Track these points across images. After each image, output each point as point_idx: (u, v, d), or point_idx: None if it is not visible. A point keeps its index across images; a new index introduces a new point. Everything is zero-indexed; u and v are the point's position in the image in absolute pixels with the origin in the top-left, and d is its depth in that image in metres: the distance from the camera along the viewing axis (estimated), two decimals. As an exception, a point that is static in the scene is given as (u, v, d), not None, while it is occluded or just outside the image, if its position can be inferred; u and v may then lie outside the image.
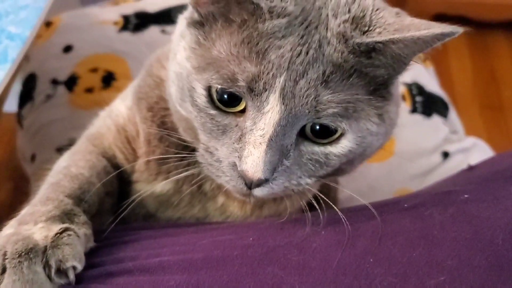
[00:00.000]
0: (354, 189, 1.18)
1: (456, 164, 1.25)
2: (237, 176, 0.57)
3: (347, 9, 0.56)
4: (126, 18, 1.37)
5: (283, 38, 0.54)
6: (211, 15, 0.58)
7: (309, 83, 0.53)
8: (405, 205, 0.59)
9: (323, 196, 0.62)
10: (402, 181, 1.24)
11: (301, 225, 0.59)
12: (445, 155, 1.31)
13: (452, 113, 1.44)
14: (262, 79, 0.53)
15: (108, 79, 1.25)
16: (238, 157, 0.55)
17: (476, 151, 1.35)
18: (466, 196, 0.59)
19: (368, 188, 1.22)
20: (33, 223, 0.57)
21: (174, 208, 0.74)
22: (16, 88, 1.31)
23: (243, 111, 0.57)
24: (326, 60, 0.54)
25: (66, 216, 0.60)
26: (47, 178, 0.71)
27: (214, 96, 0.57)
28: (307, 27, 0.55)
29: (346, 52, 0.54)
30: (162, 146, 0.71)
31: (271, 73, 0.53)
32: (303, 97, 0.53)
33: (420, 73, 1.46)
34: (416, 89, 1.40)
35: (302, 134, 0.57)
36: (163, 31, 1.35)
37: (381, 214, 0.58)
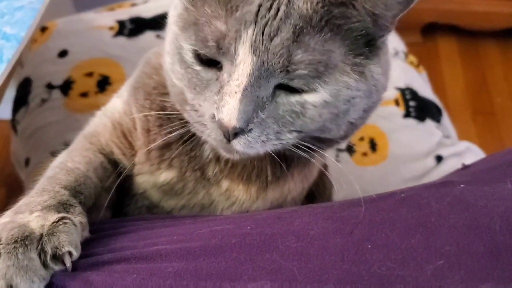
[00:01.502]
0: (348, 193, 1.19)
1: (450, 168, 1.25)
2: (216, 127, 0.59)
3: None
4: (121, 23, 1.38)
5: None
6: None
7: (283, 42, 0.55)
8: (402, 195, 0.60)
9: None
10: (396, 185, 1.23)
11: (298, 215, 0.59)
12: (439, 159, 1.32)
13: (445, 118, 1.46)
14: (228, 35, 0.55)
15: (103, 84, 1.25)
16: (217, 108, 0.57)
17: (469, 155, 1.36)
18: (462, 186, 0.59)
19: (363, 192, 1.20)
20: (29, 212, 0.57)
21: (178, 196, 0.75)
22: (10, 94, 1.31)
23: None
24: (296, 13, 0.55)
25: (62, 206, 0.60)
26: (43, 174, 0.71)
27: (201, 54, 0.59)
28: None
29: (314, 2, 0.55)
30: (163, 132, 0.71)
31: (236, 27, 0.55)
32: (277, 54, 0.55)
33: (413, 78, 1.48)
34: (410, 94, 1.42)
35: (280, 87, 0.59)
36: (158, 36, 1.35)
37: (379, 204, 0.58)
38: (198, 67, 0.60)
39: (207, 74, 0.60)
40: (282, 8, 0.55)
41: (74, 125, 1.16)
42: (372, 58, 0.61)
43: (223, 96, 0.57)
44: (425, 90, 1.47)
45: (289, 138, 0.61)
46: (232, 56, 0.56)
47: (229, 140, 0.59)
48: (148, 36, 1.36)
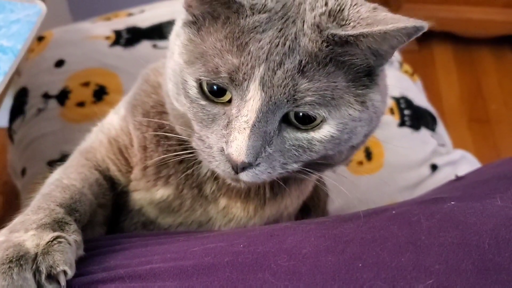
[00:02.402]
0: (344, 202, 1.20)
1: (445, 176, 1.26)
2: (225, 160, 0.60)
3: (324, 2, 0.59)
4: (117, 33, 1.38)
5: (263, 32, 0.57)
6: (201, 14, 0.62)
7: (286, 72, 0.56)
8: (393, 212, 0.60)
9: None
10: (391, 194, 1.25)
11: (290, 232, 0.60)
12: (434, 167, 1.32)
13: (440, 127, 1.46)
14: (242, 70, 0.57)
15: (100, 93, 1.25)
16: (225, 142, 0.59)
17: (464, 164, 1.37)
18: (452, 203, 0.60)
19: (358, 201, 1.22)
20: (24, 231, 0.57)
21: (176, 213, 0.76)
22: (7, 103, 1.31)
23: (230, 101, 0.60)
24: (302, 50, 0.57)
25: (57, 224, 0.60)
26: (39, 190, 0.71)
27: (205, 88, 0.61)
28: (285, 21, 0.58)
29: (320, 42, 0.57)
30: (161, 150, 0.72)
31: (250, 64, 0.56)
32: (281, 86, 0.56)
33: (408, 87, 1.49)
34: (405, 103, 1.42)
35: (286, 121, 0.60)
36: (154, 46, 1.36)
37: (370, 221, 0.59)
38: (203, 102, 0.61)
39: (213, 109, 0.61)
40: (288, 43, 0.57)
41: (71, 135, 1.17)
42: (372, 86, 0.62)
43: (232, 131, 0.58)
44: (420, 98, 1.48)
45: (294, 168, 0.63)
46: (243, 90, 0.57)
47: (236, 172, 0.60)
48: (145, 45, 1.36)
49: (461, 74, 2.45)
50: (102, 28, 1.41)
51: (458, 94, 2.37)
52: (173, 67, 0.65)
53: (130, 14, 1.48)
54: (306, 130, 0.60)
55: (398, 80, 1.48)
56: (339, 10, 0.59)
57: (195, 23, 0.63)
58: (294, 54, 0.57)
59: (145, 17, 1.45)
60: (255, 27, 0.57)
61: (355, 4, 0.60)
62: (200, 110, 0.62)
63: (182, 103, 0.64)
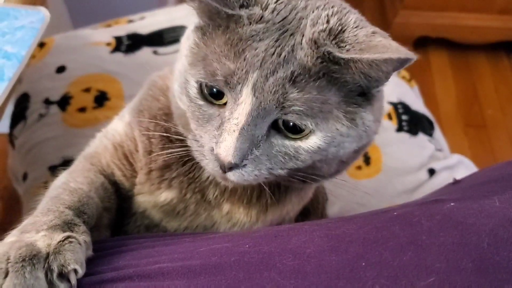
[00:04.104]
0: (343, 206, 1.21)
1: (442, 181, 1.27)
2: (213, 159, 0.63)
3: (326, 20, 0.61)
4: (118, 39, 1.39)
5: (260, 41, 0.60)
6: (206, 21, 0.65)
7: (278, 80, 0.58)
8: (395, 213, 0.61)
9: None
10: (390, 198, 1.26)
11: (294, 233, 0.61)
12: (431, 172, 1.34)
13: (437, 131, 1.48)
14: (237, 74, 0.59)
15: (101, 99, 1.26)
16: (215, 142, 0.62)
17: (461, 168, 1.38)
18: (452, 204, 0.61)
19: (357, 205, 1.24)
20: (35, 232, 0.58)
21: (181, 217, 0.77)
22: (8, 109, 1.32)
23: (225, 104, 0.63)
24: (297, 62, 0.59)
25: (66, 225, 0.61)
26: (46, 193, 0.72)
27: (204, 90, 0.64)
28: (284, 32, 0.60)
29: (315, 57, 0.59)
30: (165, 153, 0.74)
31: (244, 69, 0.59)
32: (271, 92, 0.58)
33: (405, 92, 1.50)
34: (402, 108, 1.43)
35: (276, 128, 0.62)
36: (155, 52, 1.37)
37: (372, 222, 0.60)
38: (201, 102, 0.64)
39: (209, 109, 0.64)
40: (283, 54, 0.59)
41: (72, 140, 1.18)
42: (365, 106, 0.64)
43: (222, 132, 0.61)
44: (417, 104, 1.50)
45: (281, 173, 0.65)
46: (237, 94, 0.60)
47: (224, 172, 0.63)
48: (145, 52, 1.37)
49: (457, 80, 2.47)
50: (103, 34, 1.43)
51: (454, 100, 2.39)
52: (179, 67, 0.68)
53: (130, 21, 1.50)
54: (294, 139, 0.62)
55: (395, 86, 1.50)
56: (341, 30, 0.60)
57: (201, 28, 0.65)
58: (288, 64, 0.59)
59: (145, 24, 1.46)
60: (252, 36, 0.60)
61: (356, 27, 0.61)
62: (197, 109, 0.65)
63: (183, 102, 0.68)
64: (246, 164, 0.62)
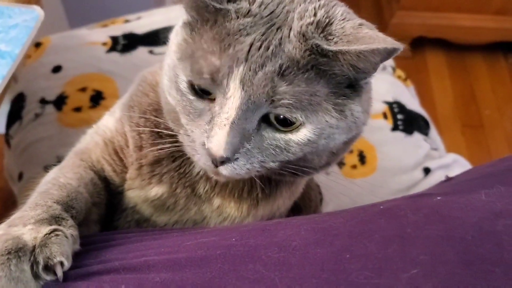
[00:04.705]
0: (338, 205, 1.21)
1: (437, 180, 1.27)
2: (205, 154, 0.63)
3: (313, 13, 0.61)
4: (114, 39, 1.40)
5: (247, 35, 0.60)
6: (194, 16, 0.64)
7: (267, 74, 0.58)
8: (381, 207, 0.62)
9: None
10: (385, 197, 1.23)
11: (282, 226, 0.61)
12: (426, 171, 1.34)
13: (433, 131, 1.48)
14: (222, 69, 0.59)
15: (97, 99, 1.27)
16: (207, 136, 0.62)
17: (457, 167, 1.38)
18: (438, 198, 0.61)
19: (352, 204, 1.22)
20: (22, 225, 0.59)
21: (171, 212, 0.77)
22: (4, 109, 1.32)
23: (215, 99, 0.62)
24: (285, 56, 0.59)
25: (54, 219, 0.61)
26: (36, 189, 0.72)
27: (195, 84, 0.63)
28: (271, 26, 0.60)
29: (303, 50, 0.59)
30: (155, 149, 0.75)
31: (229, 64, 0.59)
32: (260, 86, 0.58)
33: (401, 92, 1.50)
34: (398, 108, 1.44)
35: (267, 121, 0.63)
36: (151, 52, 1.38)
37: (359, 215, 0.61)
38: (191, 97, 0.64)
39: (200, 104, 0.64)
40: (271, 48, 0.59)
41: (67, 140, 1.17)
42: (353, 98, 0.64)
43: (213, 126, 0.61)
44: (413, 103, 1.50)
45: (273, 166, 0.65)
46: (224, 89, 0.60)
47: (216, 166, 0.63)
48: (141, 51, 1.38)
49: (454, 80, 2.47)
50: (99, 34, 1.43)
51: (451, 100, 2.39)
52: (168, 62, 0.68)
53: (127, 21, 1.50)
54: (285, 132, 0.63)
55: (391, 85, 1.50)
56: (328, 23, 0.61)
57: (190, 24, 0.65)
58: (276, 58, 0.59)
59: (141, 24, 1.46)
60: (240, 30, 0.60)
61: (343, 19, 0.62)
62: (188, 104, 0.64)
63: (173, 97, 0.67)
64: (237, 158, 0.62)
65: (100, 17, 1.59)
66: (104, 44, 1.39)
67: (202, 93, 0.64)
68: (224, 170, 0.63)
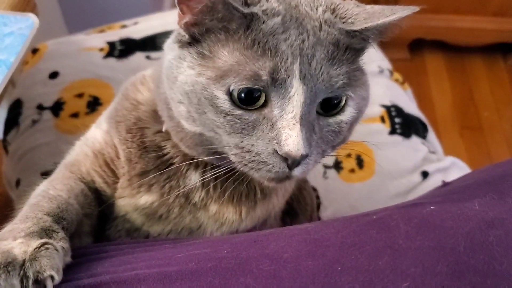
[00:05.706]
0: (337, 210, 1.21)
1: (435, 183, 1.27)
2: (279, 160, 0.62)
3: (319, 2, 0.65)
4: (111, 45, 1.40)
5: (283, 32, 0.61)
6: (208, 31, 0.64)
7: (319, 62, 0.61)
8: (374, 217, 0.62)
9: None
10: (383, 201, 1.25)
11: (274, 237, 0.61)
12: (425, 174, 1.33)
13: (431, 134, 1.47)
14: (282, 68, 0.60)
15: (94, 104, 1.27)
16: (277, 143, 0.61)
17: (455, 170, 1.38)
18: (431, 207, 0.61)
19: (350, 208, 1.24)
20: (12, 239, 0.58)
21: (164, 221, 0.77)
22: (1, 115, 1.32)
23: (263, 105, 0.62)
24: (325, 42, 0.62)
25: (44, 232, 0.61)
26: (26, 202, 0.72)
27: (236, 100, 0.62)
28: (296, 20, 0.62)
29: (337, 34, 0.63)
30: (142, 162, 0.75)
31: (288, 61, 0.60)
32: (319, 74, 0.61)
33: (398, 95, 1.50)
34: (395, 111, 1.43)
35: (317, 111, 0.64)
36: (148, 57, 1.38)
37: (351, 226, 0.61)
38: (239, 112, 0.62)
39: (251, 115, 0.62)
40: (311, 38, 0.62)
41: (64, 146, 1.18)
42: (363, 69, 0.69)
43: (281, 130, 0.60)
44: (410, 106, 1.49)
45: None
46: (286, 88, 0.60)
47: (290, 169, 0.62)
48: (138, 57, 1.38)
49: (453, 82, 2.47)
50: (96, 40, 1.43)
51: (450, 102, 2.39)
52: (187, 89, 0.64)
53: (124, 26, 1.50)
54: (334, 115, 0.65)
55: (388, 89, 1.50)
56: (334, 9, 0.65)
57: (198, 41, 0.64)
58: (320, 46, 0.62)
59: (138, 29, 1.46)
60: (275, 30, 0.61)
61: (339, 4, 0.66)
62: (237, 120, 0.62)
63: (207, 122, 0.64)
64: (312, 152, 0.63)
65: (98, 22, 1.59)
66: (101, 49, 1.39)
67: (244, 105, 0.62)
68: (298, 170, 0.63)
